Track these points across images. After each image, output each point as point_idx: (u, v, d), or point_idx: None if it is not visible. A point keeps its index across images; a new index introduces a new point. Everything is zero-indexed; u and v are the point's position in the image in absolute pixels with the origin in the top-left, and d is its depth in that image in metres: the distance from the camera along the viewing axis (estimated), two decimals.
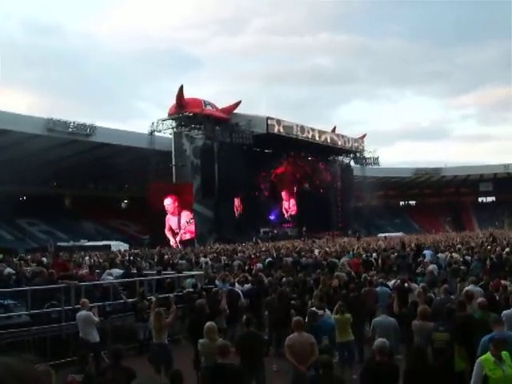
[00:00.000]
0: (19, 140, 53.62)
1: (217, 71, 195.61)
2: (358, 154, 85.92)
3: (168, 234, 60.50)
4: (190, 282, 18.56)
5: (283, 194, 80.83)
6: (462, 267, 18.51)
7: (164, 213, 59.64)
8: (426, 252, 25.86)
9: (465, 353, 9.14)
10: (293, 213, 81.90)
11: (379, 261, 25.18)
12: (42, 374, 1.55)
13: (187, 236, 61.05)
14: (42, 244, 55.06)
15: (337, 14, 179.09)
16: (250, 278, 18.83)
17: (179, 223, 61.61)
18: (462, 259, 22.34)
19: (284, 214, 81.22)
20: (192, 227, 62.00)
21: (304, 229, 73.42)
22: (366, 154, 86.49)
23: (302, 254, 29.36)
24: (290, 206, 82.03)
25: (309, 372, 9.11)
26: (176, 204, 61.15)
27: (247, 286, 17.25)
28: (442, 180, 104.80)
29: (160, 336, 11.91)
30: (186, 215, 61.86)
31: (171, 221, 61.23)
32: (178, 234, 60.95)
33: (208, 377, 8.26)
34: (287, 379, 9.94)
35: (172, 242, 58.81)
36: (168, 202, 60.68)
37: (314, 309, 12.12)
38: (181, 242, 58.67)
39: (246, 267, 24.08)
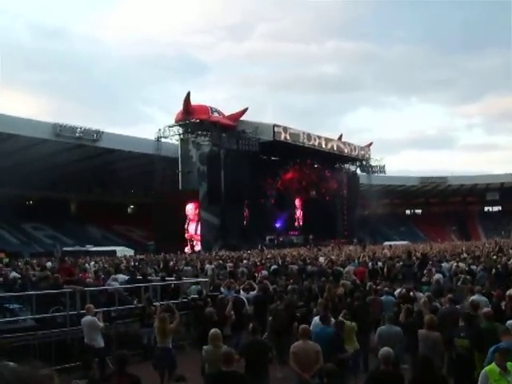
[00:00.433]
0: (26, 144, 53.90)
1: (223, 77, 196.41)
2: (364, 162, 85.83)
3: (188, 240, 60.72)
4: (195, 289, 18.58)
5: (290, 202, 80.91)
6: (468, 277, 18.43)
7: (170, 219, 59.50)
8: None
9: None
10: (299, 220, 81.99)
11: (385, 269, 25.13)
12: (46, 378, 1.57)
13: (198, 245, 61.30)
14: (47, 248, 55.28)
15: (343, 21, 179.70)
16: (254, 285, 18.83)
17: (196, 230, 61.91)
18: (467, 268, 22.27)
19: (291, 222, 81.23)
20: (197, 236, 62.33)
21: (311, 237, 73.42)
22: (372, 162, 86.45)
23: (308, 261, 29.32)
24: (296, 213, 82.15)
25: (313, 380, 9.09)
26: (197, 211, 61.30)
27: (252, 293, 17.24)
28: (448, 189, 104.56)
29: (164, 340, 11.92)
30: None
31: (191, 227, 61.41)
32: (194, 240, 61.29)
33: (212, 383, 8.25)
34: None
35: (187, 249, 59.00)
36: (190, 208, 60.75)
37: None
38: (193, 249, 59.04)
39: (251, 274, 24.07)
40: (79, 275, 19.97)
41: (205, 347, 9.77)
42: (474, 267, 22.93)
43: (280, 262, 30.05)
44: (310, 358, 9.44)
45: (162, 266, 30.16)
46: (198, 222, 61.98)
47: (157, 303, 16.00)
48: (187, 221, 61.42)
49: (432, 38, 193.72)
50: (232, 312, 14.80)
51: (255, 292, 17.25)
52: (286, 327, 13.01)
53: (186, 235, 60.97)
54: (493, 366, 7.37)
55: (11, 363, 1.51)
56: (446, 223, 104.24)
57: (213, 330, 9.84)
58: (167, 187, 62.41)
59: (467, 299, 13.46)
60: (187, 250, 57.80)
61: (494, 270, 20.90)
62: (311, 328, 11.08)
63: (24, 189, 64.16)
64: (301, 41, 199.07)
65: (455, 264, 23.93)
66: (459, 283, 17.51)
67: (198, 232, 62.16)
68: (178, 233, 60.50)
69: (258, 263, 30.18)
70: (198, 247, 60.33)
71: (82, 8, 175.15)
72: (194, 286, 19.16)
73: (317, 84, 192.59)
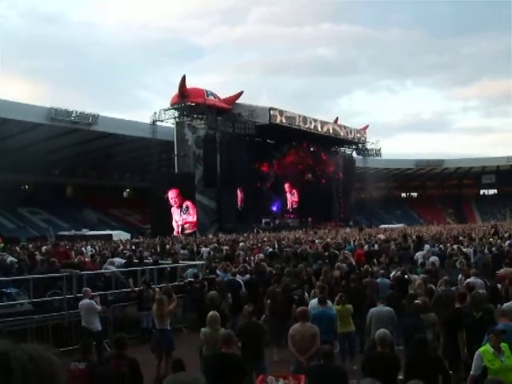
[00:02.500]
0: (21, 129, 53.69)
1: (218, 61, 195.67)
2: (360, 146, 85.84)
3: (175, 227, 60.58)
4: (191, 272, 18.63)
5: (286, 185, 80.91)
6: (463, 259, 18.51)
7: (166, 202, 59.45)
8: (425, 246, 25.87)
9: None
10: (295, 204, 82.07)
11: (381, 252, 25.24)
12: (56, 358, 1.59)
13: (189, 229, 60.82)
14: (43, 233, 55.23)
15: (338, 4, 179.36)
16: (249, 268, 18.89)
17: (181, 215, 61.69)
18: (463, 250, 22.37)
19: (286, 205, 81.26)
20: (193, 219, 61.96)
21: (310, 219, 73.59)
22: (368, 146, 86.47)
23: (304, 244, 29.38)
24: (292, 196, 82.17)
25: (310, 362, 9.16)
26: (179, 196, 61.09)
27: (247, 276, 17.32)
28: (444, 172, 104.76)
29: (162, 322, 11.96)
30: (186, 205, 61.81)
31: (175, 214, 61.28)
32: (181, 226, 60.95)
33: (210, 366, 8.30)
34: (288, 369, 9.98)
35: (175, 232, 58.76)
36: (171, 196, 60.67)
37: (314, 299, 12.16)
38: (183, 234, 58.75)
39: (247, 257, 24.13)
40: (76, 258, 19.94)
41: (203, 329, 9.83)
42: (469, 249, 23.06)
43: (276, 245, 30.15)
44: (306, 340, 9.50)
45: (158, 249, 30.23)
46: (179, 207, 61.37)
47: (153, 286, 16.09)
48: (171, 209, 60.92)
49: (427, 21, 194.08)
50: (229, 295, 14.89)
51: (249, 275, 17.36)
52: (284, 310, 13.07)
53: (173, 222, 60.57)
54: (487, 346, 7.44)
55: (22, 344, 1.53)
56: (442, 206, 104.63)
57: (211, 313, 9.90)
58: (163, 171, 62.38)
59: (462, 281, 13.57)
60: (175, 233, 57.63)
61: (489, 253, 21.02)
62: (309, 310, 11.15)
63: (19, 173, 63.94)
64: (295, 24, 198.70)
65: (450, 247, 24.06)
66: (457, 264, 17.58)
67: (185, 217, 61.71)
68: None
69: (255, 246, 30.25)
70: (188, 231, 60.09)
71: None
72: (190, 269, 19.20)
73: (312, 67, 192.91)
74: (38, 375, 1.42)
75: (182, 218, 61.24)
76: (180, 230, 59.65)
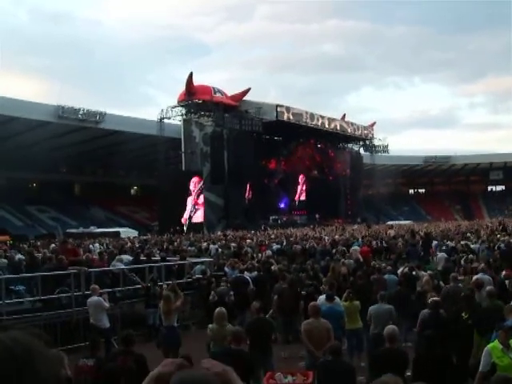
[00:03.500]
0: (29, 127, 53.86)
1: (225, 58, 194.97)
2: (367, 142, 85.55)
3: (185, 215, 60.87)
4: (199, 269, 18.66)
5: (300, 181, 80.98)
6: (470, 256, 18.46)
7: (174, 200, 59.43)
8: (434, 242, 25.85)
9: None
10: (302, 199, 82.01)
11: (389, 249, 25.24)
12: (53, 354, 1.57)
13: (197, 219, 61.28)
14: (51, 231, 55.41)
15: (344, 0, 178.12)
16: (256, 264, 18.89)
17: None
18: (471, 246, 22.33)
19: (295, 202, 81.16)
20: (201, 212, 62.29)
21: (317, 216, 73.49)
22: (376, 142, 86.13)
23: (310, 240, 29.39)
24: (300, 190, 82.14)
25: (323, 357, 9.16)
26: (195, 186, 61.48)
27: (254, 272, 17.32)
28: (451, 168, 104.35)
29: (169, 319, 11.96)
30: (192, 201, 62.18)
31: (189, 203, 61.61)
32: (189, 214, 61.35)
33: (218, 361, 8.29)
34: (296, 366, 9.99)
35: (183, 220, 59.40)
36: (193, 182, 61.12)
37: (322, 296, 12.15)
38: (190, 223, 59.08)
39: (254, 254, 24.13)
40: (84, 255, 20.01)
41: (210, 326, 9.85)
42: (477, 246, 23.01)
43: (284, 242, 30.16)
44: (322, 335, 9.50)
45: (166, 246, 30.29)
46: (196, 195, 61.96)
47: (161, 283, 16.12)
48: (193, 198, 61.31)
49: (435, 17, 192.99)
50: (231, 292, 14.90)
51: (257, 272, 17.36)
52: (290, 306, 13.07)
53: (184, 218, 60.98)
54: (496, 343, 7.41)
55: (13, 331, 1.52)
56: (449, 203, 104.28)
57: (218, 309, 9.91)
58: (170, 168, 62.48)
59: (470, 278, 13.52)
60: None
61: (497, 249, 20.96)
62: None
63: (27, 171, 64.12)
64: (302, 21, 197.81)
65: (459, 243, 24.02)
66: (462, 262, 17.56)
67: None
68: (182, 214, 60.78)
69: (262, 243, 30.26)
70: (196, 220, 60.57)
71: None
72: (198, 266, 19.23)
73: (319, 64, 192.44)
74: (12, 361, 1.40)
75: (193, 204, 61.62)
76: (188, 218, 59.90)
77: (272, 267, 17.96)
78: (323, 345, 9.36)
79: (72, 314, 14.52)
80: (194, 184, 61.45)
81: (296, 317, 12.92)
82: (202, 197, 61.84)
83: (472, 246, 22.93)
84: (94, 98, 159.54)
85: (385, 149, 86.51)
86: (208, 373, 1.79)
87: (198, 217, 61.52)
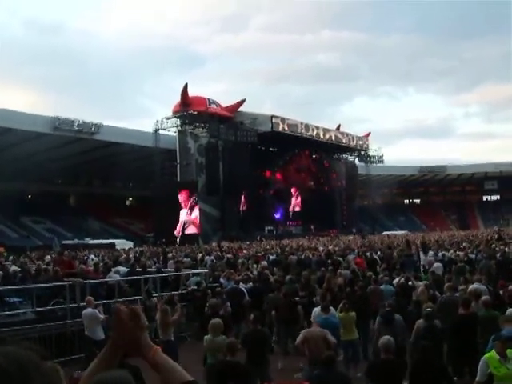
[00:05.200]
0: (25, 138, 53.80)
1: (220, 69, 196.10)
2: (362, 153, 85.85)
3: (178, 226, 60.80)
4: (194, 280, 18.59)
5: (292, 190, 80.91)
6: (466, 266, 18.46)
7: (169, 211, 59.40)
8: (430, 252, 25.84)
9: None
10: (298, 207, 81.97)
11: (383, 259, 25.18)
12: (49, 368, 1.56)
13: (191, 229, 61.20)
14: (46, 242, 55.18)
15: (339, 11, 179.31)
16: (252, 276, 18.82)
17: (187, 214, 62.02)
18: (466, 258, 22.31)
19: (290, 213, 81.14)
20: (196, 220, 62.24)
21: (312, 227, 73.50)
22: (371, 152, 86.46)
23: (306, 251, 29.35)
24: (294, 203, 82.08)
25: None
26: (188, 199, 61.45)
27: (250, 284, 17.26)
28: (446, 178, 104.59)
29: (166, 333, 11.89)
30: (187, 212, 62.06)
31: (182, 214, 61.51)
32: (183, 224, 61.25)
33: (214, 373, 8.26)
34: (292, 377, 9.95)
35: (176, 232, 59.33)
36: (182, 198, 61.05)
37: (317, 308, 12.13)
38: (183, 235, 58.96)
39: (250, 265, 24.04)
40: (81, 268, 19.94)
41: (206, 337, 9.81)
42: (472, 256, 23.01)
43: (279, 253, 30.11)
44: (319, 344, 9.50)
45: (162, 258, 30.16)
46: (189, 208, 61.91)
47: (156, 295, 16.04)
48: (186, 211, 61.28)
49: (429, 27, 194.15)
50: (228, 303, 14.83)
51: (252, 283, 17.30)
52: (286, 315, 13.04)
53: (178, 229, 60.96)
54: (492, 353, 7.39)
55: (7, 347, 1.50)
56: (444, 213, 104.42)
57: (213, 320, 9.86)
58: (166, 179, 62.47)
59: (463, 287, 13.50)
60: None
61: (493, 260, 20.94)
62: (312, 318, 11.15)
63: (23, 183, 63.98)
64: (297, 31, 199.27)
65: (454, 253, 24.04)
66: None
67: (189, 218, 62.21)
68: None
69: (258, 254, 30.21)
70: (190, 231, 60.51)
71: (77, 2, 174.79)
72: (193, 278, 19.16)
73: (314, 74, 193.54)
74: (7, 380, 1.38)
75: (187, 217, 61.50)
76: (181, 229, 59.83)
77: (268, 278, 17.92)
78: (322, 354, 9.35)
79: (67, 325, 14.44)
80: (184, 197, 61.30)
81: (294, 327, 12.88)
82: (196, 209, 61.70)
83: (468, 256, 22.93)
84: (90, 109, 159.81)
85: (380, 159, 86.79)
86: (123, 373, 1.78)
87: (193, 229, 61.37)
